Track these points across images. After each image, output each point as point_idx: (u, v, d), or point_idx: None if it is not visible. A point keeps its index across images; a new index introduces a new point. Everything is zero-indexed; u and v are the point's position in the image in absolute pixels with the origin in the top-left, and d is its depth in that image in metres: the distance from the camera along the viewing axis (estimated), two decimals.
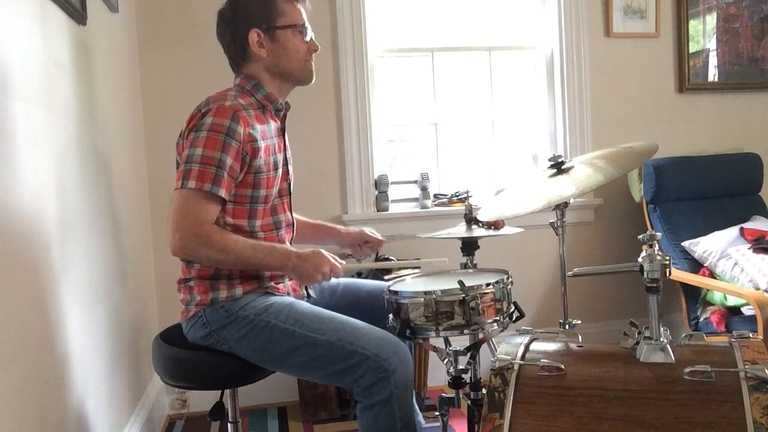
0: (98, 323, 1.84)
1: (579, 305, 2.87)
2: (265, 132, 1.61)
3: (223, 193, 1.50)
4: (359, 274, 2.71)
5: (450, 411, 1.76)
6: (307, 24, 1.68)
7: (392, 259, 2.63)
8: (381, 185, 2.84)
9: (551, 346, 1.35)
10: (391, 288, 1.52)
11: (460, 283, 1.42)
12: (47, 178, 1.49)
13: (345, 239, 1.92)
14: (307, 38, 1.67)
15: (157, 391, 2.54)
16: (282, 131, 1.72)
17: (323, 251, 1.56)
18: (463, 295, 1.40)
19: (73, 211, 1.66)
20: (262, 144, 1.57)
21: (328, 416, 2.57)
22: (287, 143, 1.76)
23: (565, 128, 3.01)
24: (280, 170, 1.66)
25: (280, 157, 1.67)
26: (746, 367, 1.15)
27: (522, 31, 3.05)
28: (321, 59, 1.91)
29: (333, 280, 1.80)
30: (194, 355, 1.56)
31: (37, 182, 1.42)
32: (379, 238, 1.89)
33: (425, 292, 1.43)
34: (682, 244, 2.74)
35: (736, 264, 2.52)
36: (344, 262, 1.60)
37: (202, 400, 2.62)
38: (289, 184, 1.74)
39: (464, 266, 1.83)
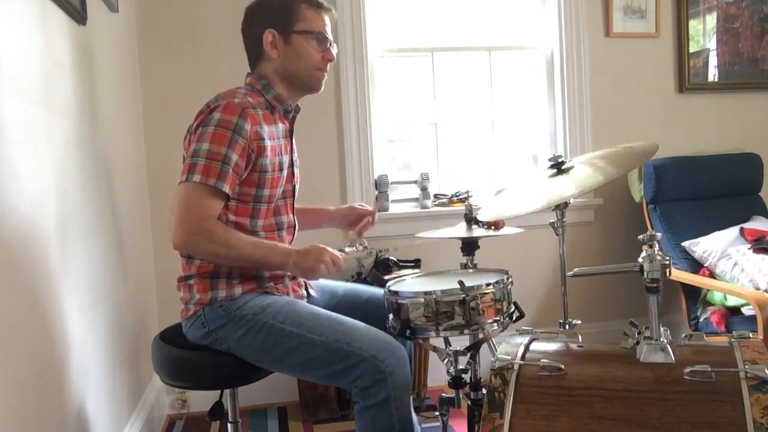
0: (98, 323, 1.84)
1: (579, 305, 2.87)
2: (272, 132, 1.60)
3: (227, 189, 1.50)
4: (359, 274, 2.71)
5: (450, 411, 1.75)
6: (328, 34, 1.67)
7: (392, 260, 2.63)
8: (381, 185, 2.84)
9: (551, 346, 1.35)
10: (391, 288, 1.51)
11: (460, 283, 1.42)
12: (47, 178, 1.49)
13: (336, 218, 1.92)
14: (325, 47, 1.66)
15: (157, 391, 2.54)
16: (290, 133, 1.72)
17: (321, 245, 1.55)
18: (463, 295, 1.40)
19: (73, 211, 1.65)
20: (268, 143, 1.57)
21: (328, 416, 2.57)
22: (294, 146, 1.75)
23: (565, 128, 3.01)
24: (285, 171, 1.66)
25: (286, 159, 1.66)
26: (746, 367, 1.15)
27: (522, 31, 3.05)
28: None
29: (333, 284, 1.80)
30: (194, 355, 1.56)
31: (37, 182, 1.42)
32: (369, 208, 1.89)
33: (425, 292, 1.43)
34: (682, 244, 2.74)
35: (736, 264, 2.52)
36: (345, 251, 1.61)
37: (202, 400, 2.62)
38: (294, 186, 1.74)
39: (464, 266, 1.83)
